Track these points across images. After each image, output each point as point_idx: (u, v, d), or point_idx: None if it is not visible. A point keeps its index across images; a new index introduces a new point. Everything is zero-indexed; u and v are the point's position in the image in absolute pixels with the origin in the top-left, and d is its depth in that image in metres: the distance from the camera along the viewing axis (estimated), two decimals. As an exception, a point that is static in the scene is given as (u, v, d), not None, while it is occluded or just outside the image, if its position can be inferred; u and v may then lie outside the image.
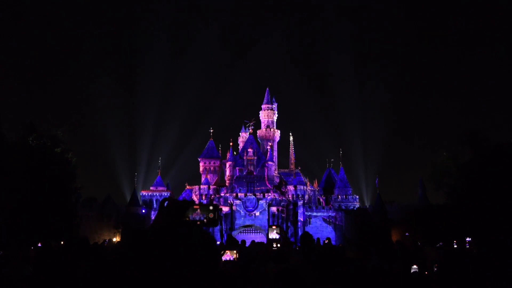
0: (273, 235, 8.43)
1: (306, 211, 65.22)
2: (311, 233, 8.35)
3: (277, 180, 70.32)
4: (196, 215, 2.40)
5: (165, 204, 2.15)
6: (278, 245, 8.17)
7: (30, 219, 33.85)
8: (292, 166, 74.00)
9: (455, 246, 31.11)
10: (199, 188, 67.13)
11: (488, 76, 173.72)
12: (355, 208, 66.42)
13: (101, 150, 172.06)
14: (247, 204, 64.40)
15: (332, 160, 78.75)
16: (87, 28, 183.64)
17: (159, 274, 1.75)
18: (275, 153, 74.76)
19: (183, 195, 70.17)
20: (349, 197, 69.26)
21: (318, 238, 22.73)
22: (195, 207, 2.39)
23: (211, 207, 2.38)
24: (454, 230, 41.50)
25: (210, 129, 77.62)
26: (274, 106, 78.12)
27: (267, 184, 67.14)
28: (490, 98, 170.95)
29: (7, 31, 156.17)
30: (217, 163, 74.73)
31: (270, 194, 65.21)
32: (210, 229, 54.71)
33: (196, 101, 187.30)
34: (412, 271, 8.59)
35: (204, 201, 64.50)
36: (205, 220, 2.38)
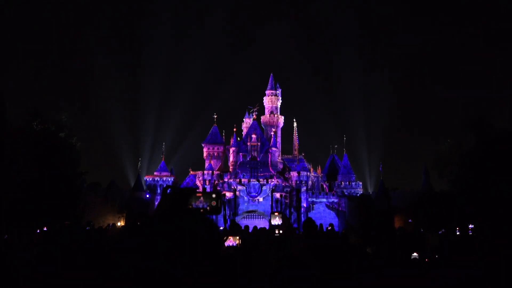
0: (276, 221, 8.49)
1: (309, 197, 65.45)
2: (314, 219, 8.37)
3: (281, 166, 70.46)
4: (199, 202, 2.42)
5: (168, 191, 2.18)
6: (281, 231, 8.24)
7: (35, 204, 34.09)
8: (296, 152, 74.05)
9: (458, 233, 31.17)
10: (203, 174, 67.32)
11: (493, 63, 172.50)
12: (358, 195, 66.59)
13: (105, 135, 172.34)
14: (251, 189, 64.65)
15: (336, 146, 78.78)
16: (91, 13, 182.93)
17: (161, 259, 1.78)
18: (279, 139, 74.73)
19: (187, 180, 70.39)
20: (352, 183, 69.42)
21: (321, 224, 22.85)
22: (198, 195, 2.41)
23: (213, 195, 2.40)
24: (458, 217, 41.59)
25: (213, 115, 77.63)
26: (278, 92, 77.84)
27: (271, 170, 67.28)
28: (495, 85, 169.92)
29: (9, 17, 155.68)
30: (221, 148, 74.77)
31: (273, 180, 65.41)
32: (214, 216, 54.88)
33: (200, 86, 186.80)
34: (412, 257, 8.65)
35: (208, 187, 64.76)
36: (208, 208, 2.40)
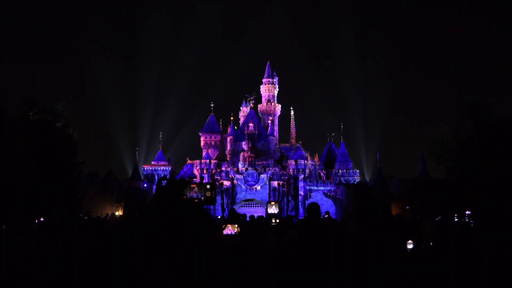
0: (272, 210, 8.52)
1: (307, 185, 65.54)
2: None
3: (278, 155, 70.43)
4: (194, 193, 2.43)
5: (163, 183, 2.18)
6: (277, 220, 8.28)
7: (33, 194, 34.09)
8: (293, 141, 73.95)
9: (456, 219, 31.35)
10: (200, 163, 67.28)
11: (490, 50, 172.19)
12: (355, 182, 66.69)
13: (102, 125, 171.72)
14: (248, 178, 64.66)
15: (333, 134, 78.72)
16: (87, 2, 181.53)
17: (156, 250, 1.79)
18: (276, 128, 74.62)
19: (184, 169, 70.38)
20: (349, 171, 69.45)
21: (318, 212, 22.87)
22: (192, 185, 2.41)
23: (208, 186, 2.41)
24: (455, 204, 41.76)
25: (211, 104, 77.54)
26: (275, 80, 77.53)
27: (268, 158, 67.32)
28: (492, 72, 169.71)
29: (7, 5, 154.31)
30: (218, 137, 74.74)
31: (271, 168, 65.43)
32: (212, 206, 54.78)
33: (196, 75, 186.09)
34: (408, 246, 8.69)
35: (205, 176, 64.72)
36: (202, 198, 2.41)
